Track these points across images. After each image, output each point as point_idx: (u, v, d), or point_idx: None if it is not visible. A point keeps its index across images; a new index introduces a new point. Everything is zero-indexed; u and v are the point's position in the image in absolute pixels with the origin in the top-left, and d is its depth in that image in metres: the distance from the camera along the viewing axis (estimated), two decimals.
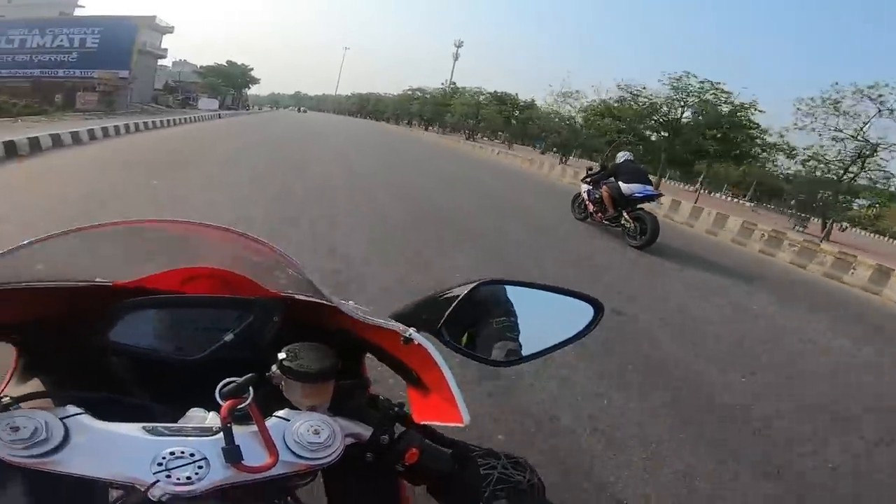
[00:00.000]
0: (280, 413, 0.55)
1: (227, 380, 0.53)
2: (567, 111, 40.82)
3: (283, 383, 0.60)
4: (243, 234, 0.66)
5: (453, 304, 0.68)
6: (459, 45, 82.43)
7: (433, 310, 0.70)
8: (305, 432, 0.54)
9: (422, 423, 0.64)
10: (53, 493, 0.50)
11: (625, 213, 8.28)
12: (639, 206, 8.27)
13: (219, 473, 0.49)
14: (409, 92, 77.45)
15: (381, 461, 0.60)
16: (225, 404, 0.51)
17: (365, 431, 0.60)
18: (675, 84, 25.36)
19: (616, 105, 29.69)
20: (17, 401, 0.50)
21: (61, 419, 0.48)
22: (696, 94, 25.12)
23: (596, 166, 10.16)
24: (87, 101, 22.25)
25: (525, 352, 0.73)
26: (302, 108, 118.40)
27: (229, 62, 59.73)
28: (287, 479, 0.54)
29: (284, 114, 61.86)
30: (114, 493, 0.56)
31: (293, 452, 0.52)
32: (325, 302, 0.66)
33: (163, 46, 40.99)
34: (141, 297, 0.68)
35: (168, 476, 0.47)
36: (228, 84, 57.23)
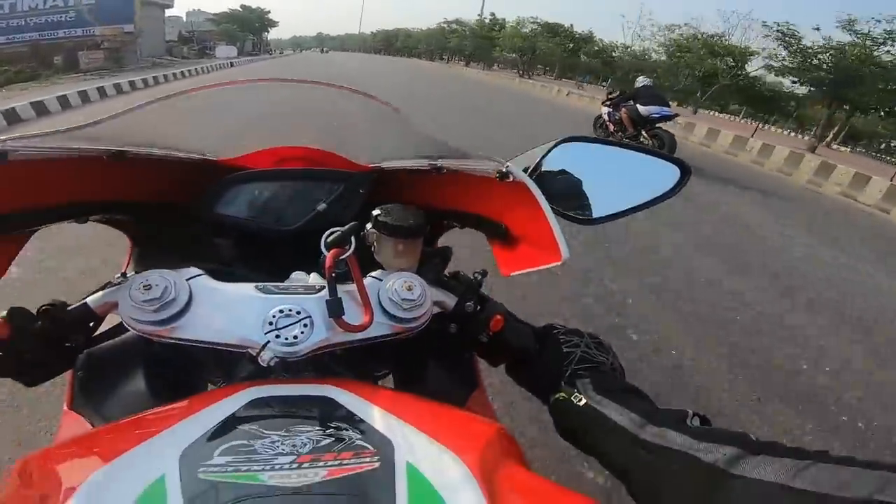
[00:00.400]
0: (374, 273, 0.56)
1: (332, 230, 0.55)
2: (645, 47, 35.47)
3: (375, 244, 0.62)
4: (345, 86, 0.80)
5: (538, 159, 0.68)
6: None
7: (519, 165, 0.64)
8: (399, 288, 0.54)
9: (512, 273, 0.63)
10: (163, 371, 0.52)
11: (644, 132, 8.11)
12: (657, 125, 8.05)
13: (321, 333, 0.49)
14: (445, 25, 66.68)
15: (465, 330, 0.60)
16: (330, 253, 0.52)
17: (449, 300, 0.60)
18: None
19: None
20: (140, 274, 0.50)
21: (186, 280, 0.49)
22: None
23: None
24: (91, 60, 20.89)
25: (608, 210, 0.72)
26: (325, 49, 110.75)
27: (244, 6, 56.00)
28: (374, 359, 0.56)
29: (306, 56, 56.55)
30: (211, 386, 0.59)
31: (387, 313, 0.53)
32: (412, 165, 0.71)
33: None
34: (242, 171, 0.71)
35: (277, 336, 0.48)
36: (245, 29, 53.75)
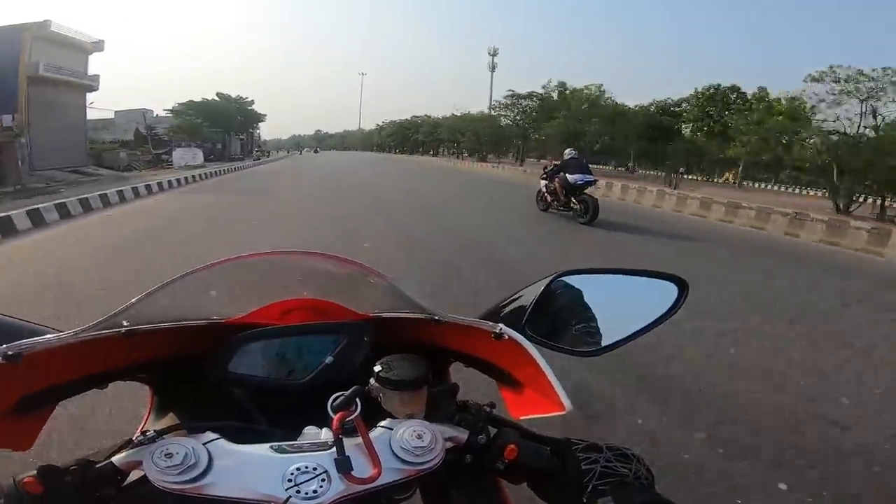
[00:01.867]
0: (382, 423, 0.59)
1: (337, 394, 0.58)
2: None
3: (381, 395, 0.63)
4: (333, 255, 0.79)
5: (533, 300, 0.72)
6: (495, 54, 66.82)
7: (514, 308, 0.75)
8: (409, 437, 0.56)
9: (520, 417, 0.65)
10: None
11: (573, 199, 10.28)
12: (583, 191, 10.19)
13: (339, 485, 0.52)
14: (457, 114, 58.29)
15: (480, 462, 0.62)
16: (336, 416, 0.55)
17: (461, 434, 0.61)
18: None
19: None
20: (160, 433, 0.54)
21: (204, 444, 0.53)
22: None
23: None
24: None
25: (610, 339, 0.73)
26: (314, 149, 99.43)
27: (220, 94, 44.15)
28: (394, 489, 0.56)
29: (288, 165, 37.76)
30: None
31: (399, 459, 0.55)
32: (411, 315, 0.75)
33: (90, 72, 25.77)
34: (249, 331, 0.74)
35: (297, 491, 0.51)
36: (221, 125, 41.57)
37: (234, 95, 46.34)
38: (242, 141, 50.79)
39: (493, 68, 66.37)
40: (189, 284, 0.71)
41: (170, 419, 0.75)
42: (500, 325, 0.64)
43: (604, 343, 0.73)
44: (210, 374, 0.72)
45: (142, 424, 0.76)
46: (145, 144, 34.60)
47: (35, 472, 0.50)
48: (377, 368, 0.65)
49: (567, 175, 10.38)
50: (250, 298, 0.82)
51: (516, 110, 48.14)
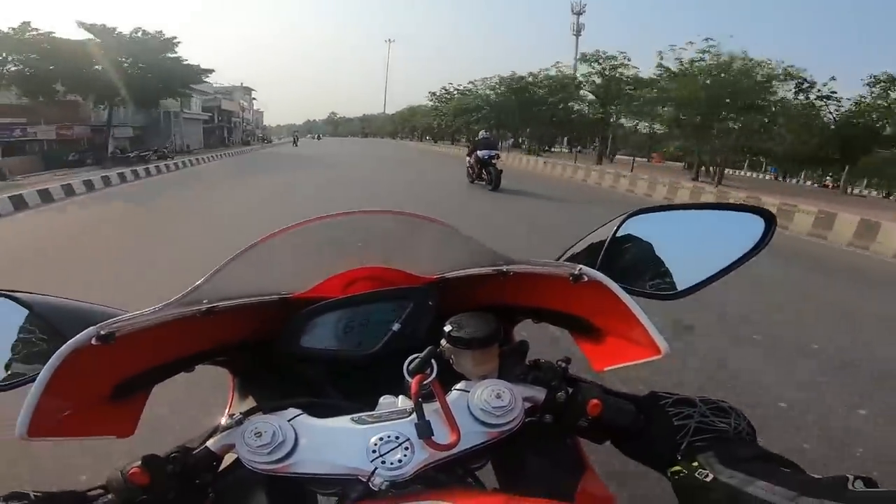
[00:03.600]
0: (458, 386, 0.58)
1: (412, 356, 0.58)
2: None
3: (452, 356, 0.61)
4: (391, 211, 0.84)
5: (606, 242, 0.69)
6: (581, 12, 51.20)
7: (584, 252, 0.72)
8: (489, 397, 0.55)
9: (605, 368, 0.61)
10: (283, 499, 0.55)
11: (483, 171, 13.37)
12: (491, 164, 13.19)
13: (422, 453, 0.52)
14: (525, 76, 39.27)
15: (561, 420, 0.59)
16: (413, 380, 0.55)
17: (538, 393, 0.59)
18: None
19: None
20: (246, 415, 0.56)
21: (288, 421, 0.54)
22: None
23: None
24: None
25: (691, 281, 0.69)
26: (316, 136, 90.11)
27: (83, 24, 22.83)
28: (470, 457, 0.55)
29: (273, 155, 30.89)
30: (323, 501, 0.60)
31: (479, 421, 0.54)
32: (476, 272, 0.74)
33: None
34: (316, 304, 0.75)
35: (383, 462, 0.51)
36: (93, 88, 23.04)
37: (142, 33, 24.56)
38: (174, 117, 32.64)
39: (577, 31, 50.86)
40: (253, 257, 0.73)
41: (251, 401, 0.76)
42: (579, 266, 0.60)
43: (683, 285, 0.69)
44: (283, 351, 0.75)
45: (227, 409, 0.77)
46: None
47: (140, 462, 0.52)
48: (447, 328, 0.62)
49: (478, 152, 13.47)
50: (315, 267, 0.83)
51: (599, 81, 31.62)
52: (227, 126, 49.95)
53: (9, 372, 0.65)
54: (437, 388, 0.55)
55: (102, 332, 0.52)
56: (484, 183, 13.28)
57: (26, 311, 0.66)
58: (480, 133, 14.92)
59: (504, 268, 0.70)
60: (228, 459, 0.57)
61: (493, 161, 13.15)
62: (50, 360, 0.50)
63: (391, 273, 0.84)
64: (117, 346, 0.54)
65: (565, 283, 0.60)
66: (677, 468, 0.52)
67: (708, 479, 0.48)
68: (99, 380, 0.58)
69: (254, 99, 68.11)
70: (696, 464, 0.50)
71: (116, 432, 0.60)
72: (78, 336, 0.52)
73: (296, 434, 0.53)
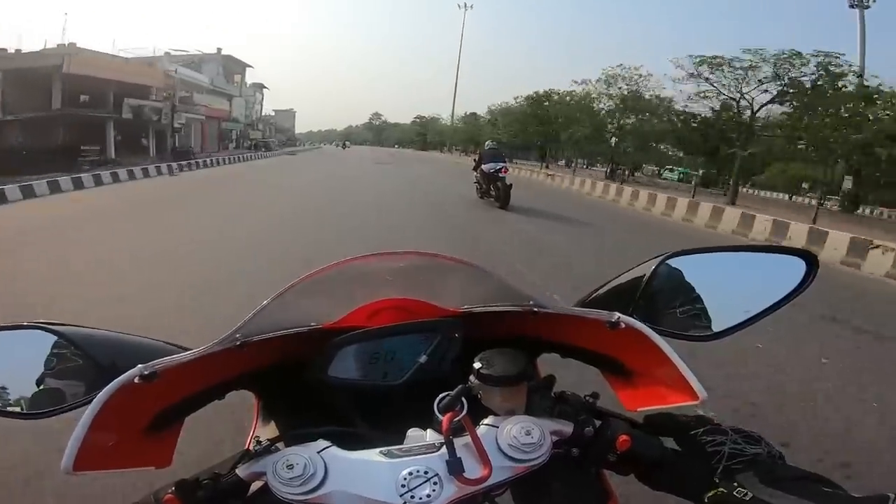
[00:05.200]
0: (486, 421, 0.58)
1: (443, 394, 0.58)
2: None
3: (480, 392, 0.61)
4: (419, 252, 0.85)
5: (643, 284, 0.69)
6: None
7: (617, 292, 0.73)
8: (518, 434, 0.55)
9: (638, 409, 0.62)
10: None
11: (491, 186, 12.78)
12: (499, 177, 12.56)
13: (450, 489, 0.52)
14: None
15: (588, 454, 0.60)
16: (444, 417, 0.55)
17: (566, 427, 0.60)
18: None
19: None
20: (273, 442, 0.57)
21: (318, 453, 0.54)
22: None
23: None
24: None
25: (728, 322, 0.69)
26: (341, 144, 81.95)
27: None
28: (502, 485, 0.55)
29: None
30: None
31: (508, 456, 0.55)
32: (504, 309, 0.75)
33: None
34: (344, 335, 0.75)
35: (412, 496, 0.51)
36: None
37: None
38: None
39: None
40: (291, 296, 0.78)
41: (276, 426, 0.79)
42: (617, 314, 0.60)
43: (719, 327, 0.69)
44: (311, 380, 0.75)
45: (251, 432, 0.78)
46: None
47: (173, 487, 0.53)
48: (477, 365, 0.61)
49: (483, 166, 13.01)
50: (345, 301, 0.84)
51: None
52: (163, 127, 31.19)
53: (41, 402, 0.66)
54: (469, 425, 0.55)
55: (146, 373, 0.54)
56: (492, 199, 12.82)
57: (62, 342, 0.67)
58: (487, 143, 14.23)
59: (534, 308, 0.70)
60: (255, 487, 0.58)
61: (501, 174, 12.64)
62: (97, 397, 0.53)
63: (417, 305, 0.84)
64: (158, 382, 0.56)
65: (598, 326, 0.61)
66: (714, 491, 0.52)
67: (748, 499, 0.49)
68: (138, 413, 0.60)
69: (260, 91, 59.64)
70: (735, 483, 0.51)
71: (154, 463, 0.62)
72: (123, 375, 0.54)
73: (326, 466, 0.53)
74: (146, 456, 0.62)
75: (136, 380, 0.54)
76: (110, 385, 0.53)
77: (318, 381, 0.75)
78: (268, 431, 0.77)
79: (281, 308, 0.76)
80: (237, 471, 0.56)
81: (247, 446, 0.61)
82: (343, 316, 0.82)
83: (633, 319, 0.59)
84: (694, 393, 0.55)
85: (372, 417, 0.74)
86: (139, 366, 0.55)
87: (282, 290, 0.77)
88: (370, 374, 0.76)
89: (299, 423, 0.70)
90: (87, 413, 0.52)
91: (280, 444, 0.58)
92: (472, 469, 0.53)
